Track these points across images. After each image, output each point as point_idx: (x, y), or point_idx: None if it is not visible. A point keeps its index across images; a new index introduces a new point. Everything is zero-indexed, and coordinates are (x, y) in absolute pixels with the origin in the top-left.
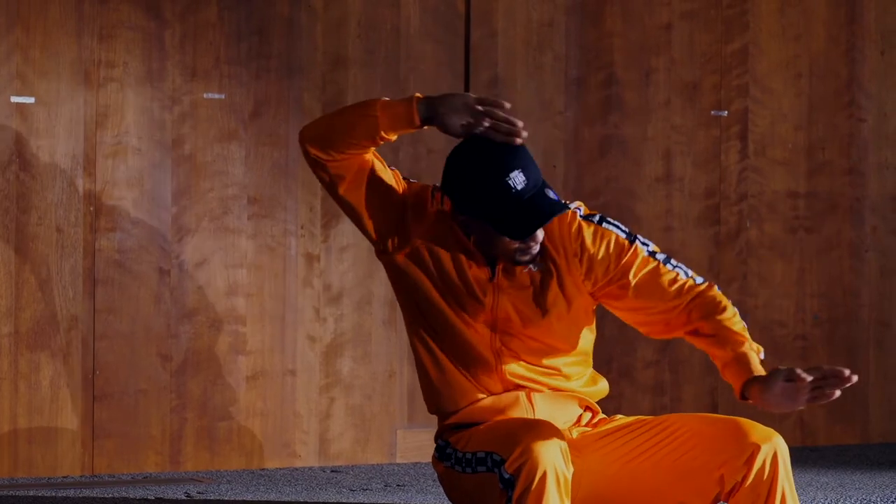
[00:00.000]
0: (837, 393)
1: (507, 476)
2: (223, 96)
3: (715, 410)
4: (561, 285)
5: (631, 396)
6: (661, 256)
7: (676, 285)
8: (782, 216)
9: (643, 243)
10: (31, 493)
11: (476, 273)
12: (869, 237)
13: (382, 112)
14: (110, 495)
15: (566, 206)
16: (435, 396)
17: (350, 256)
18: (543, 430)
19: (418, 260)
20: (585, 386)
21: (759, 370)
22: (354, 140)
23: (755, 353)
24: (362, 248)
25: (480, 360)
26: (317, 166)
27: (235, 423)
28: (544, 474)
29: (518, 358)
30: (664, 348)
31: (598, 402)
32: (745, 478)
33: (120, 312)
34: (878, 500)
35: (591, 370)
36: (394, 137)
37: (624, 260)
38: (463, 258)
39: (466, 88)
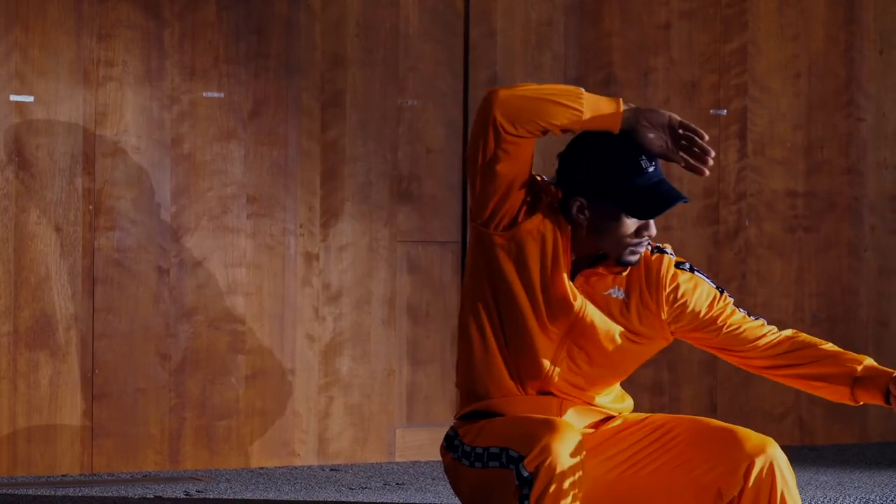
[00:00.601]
0: None
1: (525, 474)
2: (222, 95)
3: (713, 410)
4: (641, 318)
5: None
6: (743, 310)
7: (764, 330)
8: (781, 215)
9: (730, 295)
10: (31, 491)
11: (568, 276)
12: (867, 236)
13: (588, 110)
14: (109, 494)
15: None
16: (470, 375)
17: (349, 255)
18: (562, 428)
19: (517, 247)
20: (614, 402)
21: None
22: (547, 124)
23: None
24: (361, 247)
25: (535, 363)
26: (494, 136)
27: (234, 422)
28: (563, 474)
29: (575, 371)
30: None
31: None
32: (742, 491)
33: (119, 311)
34: (877, 498)
35: (619, 387)
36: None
37: (715, 310)
38: (561, 258)
39: (465, 88)
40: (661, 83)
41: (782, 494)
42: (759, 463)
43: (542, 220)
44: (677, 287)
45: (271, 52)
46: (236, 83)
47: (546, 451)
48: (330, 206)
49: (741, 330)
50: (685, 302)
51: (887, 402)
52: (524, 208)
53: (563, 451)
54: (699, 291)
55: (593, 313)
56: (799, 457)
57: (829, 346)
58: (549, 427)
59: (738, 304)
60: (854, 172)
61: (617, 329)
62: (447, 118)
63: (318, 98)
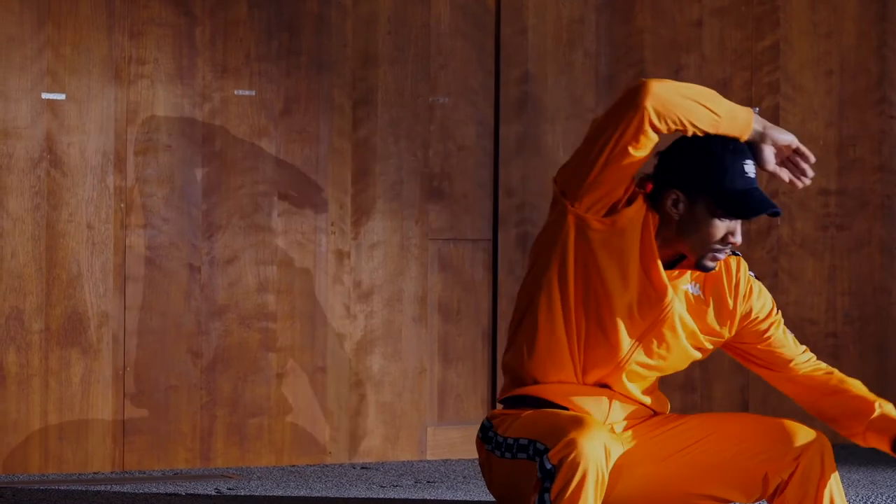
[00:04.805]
0: None
1: (548, 466)
2: (253, 93)
3: (745, 408)
4: (717, 315)
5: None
6: (790, 333)
7: (805, 356)
8: (813, 214)
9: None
10: (62, 488)
11: (659, 269)
12: None
13: (725, 116)
14: (141, 491)
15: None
16: (529, 357)
17: (380, 253)
18: (592, 426)
19: (617, 235)
20: (655, 403)
21: None
22: (688, 123)
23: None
24: (392, 245)
25: (611, 352)
26: (638, 124)
27: (265, 420)
28: (586, 471)
29: (644, 364)
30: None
31: None
32: (791, 476)
33: (150, 309)
34: None
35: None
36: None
37: (770, 319)
38: (655, 250)
39: (497, 86)
40: (693, 80)
41: (831, 486)
42: (812, 450)
43: (639, 209)
44: (751, 290)
45: (302, 49)
46: (267, 81)
47: (571, 446)
48: (361, 203)
49: (783, 347)
50: (752, 306)
51: (894, 449)
52: (625, 197)
53: (589, 447)
54: (764, 298)
55: (679, 308)
56: None
57: (858, 386)
58: (579, 423)
59: None
60: (886, 170)
61: (694, 325)
62: (478, 116)
63: (349, 95)
